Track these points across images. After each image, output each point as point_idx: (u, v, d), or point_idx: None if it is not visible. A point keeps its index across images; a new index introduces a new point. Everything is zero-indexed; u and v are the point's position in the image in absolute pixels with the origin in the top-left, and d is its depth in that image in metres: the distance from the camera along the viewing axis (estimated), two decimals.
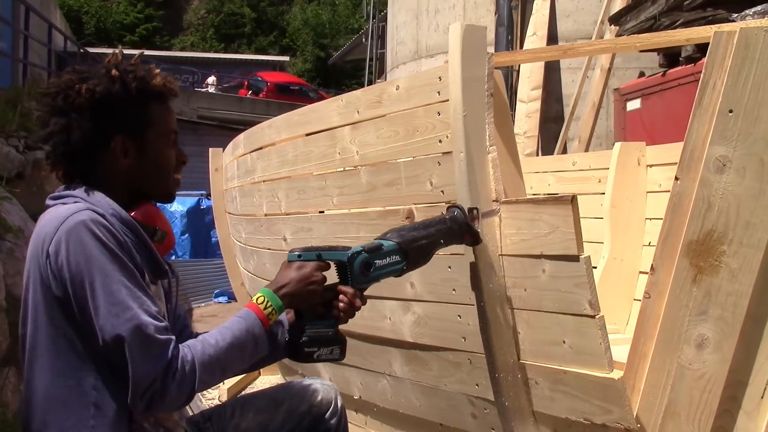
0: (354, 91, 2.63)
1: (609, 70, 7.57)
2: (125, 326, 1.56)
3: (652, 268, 1.93)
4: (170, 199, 1.89)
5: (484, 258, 2.01)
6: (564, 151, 7.85)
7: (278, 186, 3.17)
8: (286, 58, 36.14)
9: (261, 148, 3.40)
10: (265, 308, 1.75)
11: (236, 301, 7.83)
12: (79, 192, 1.72)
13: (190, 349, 1.64)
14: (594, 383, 1.85)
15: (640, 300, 3.91)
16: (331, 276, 1.81)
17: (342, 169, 2.62)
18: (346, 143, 2.59)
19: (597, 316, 1.81)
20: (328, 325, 1.79)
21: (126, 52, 1.87)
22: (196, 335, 2.01)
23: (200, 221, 12.45)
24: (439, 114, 2.15)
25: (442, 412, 2.47)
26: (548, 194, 4.55)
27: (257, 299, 1.77)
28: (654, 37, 2.66)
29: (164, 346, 1.59)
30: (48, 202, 1.77)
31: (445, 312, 2.26)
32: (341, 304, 1.78)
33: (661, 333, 1.92)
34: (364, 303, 1.81)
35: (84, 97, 1.71)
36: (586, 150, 7.48)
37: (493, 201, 2.01)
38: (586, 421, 1.90)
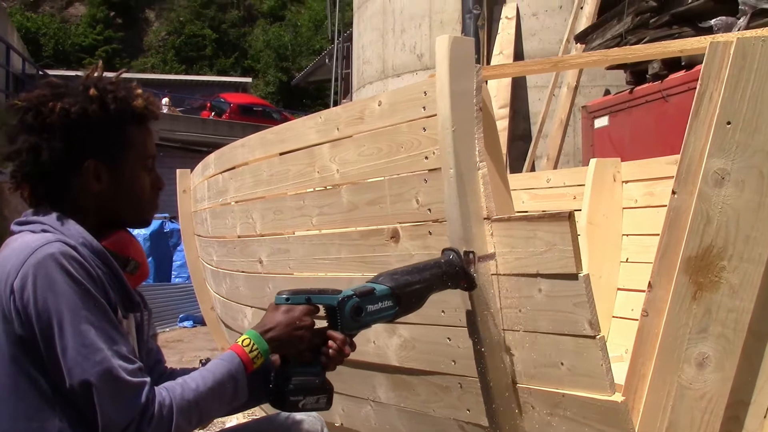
0: (333, 108, 2.56)
1: (576, 87, 7.61)
2: (94, 369, 1.45)
3: (649, 284, 1.88)
4: (145, 224, 1.79)
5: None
6: (532, 169, 7.86)
7: (252, 207, 3.07)
8: (249, 80, 36.00)
9: (233, 168, 3.30)
10: (251, 351, 1.65)
11: (203, 325, 7.69)
12: (48, 219, 1.61)
13: (168, 393, 1.53)
14: (595, 406, 1.78)
15: (619, 317, 3.93)
16: (320, 320, 1.73)
17: (322, 188, 2.54)
18: (325, 161, 2.51)
19: (597, 337, 1.74)
20: (314, 372, 1.71)
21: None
22: (170, 371, 1.91)
23: (164, 244, 12.24)
24: (425, 129, 2.08)
25: None
26: (524, 212, 4.52)
27: (243, 341, 1.67)
28: (647, 48, 2.63)
29: (137, 390, 1.49)
30: (13, 227, 1.65)
31: (433, 334, 2.18)
32: (330, 351, 1.69)
33: (660, 352, 1.86)
34: (353, 350, 1.73)
35: (57, 115, 1.59)
36: (555, 168, 7.50)
37: (485, 218, 1.94)
38: None
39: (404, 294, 1.76)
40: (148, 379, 1.52)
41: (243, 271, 3.29)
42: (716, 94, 1.76)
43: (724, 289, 1.78)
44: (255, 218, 3.05)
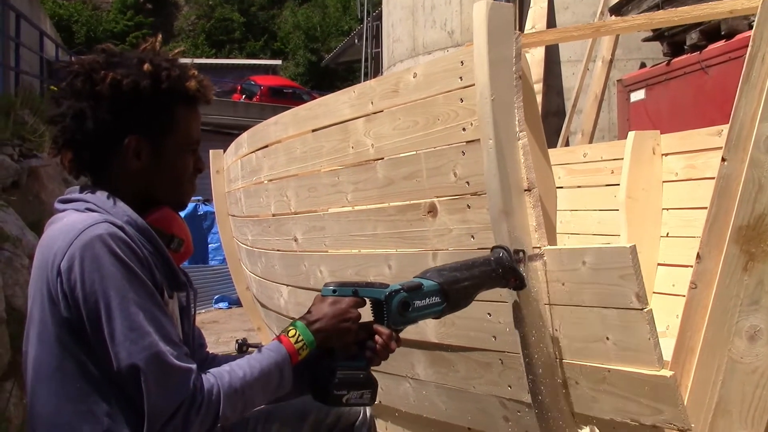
0: (367, 81, 2.50)
1: (611, 61, 7.46)
2: (142, 354, 1.42)
3: (698, 256, 1.82)
4: (182, 207, 1.73)
5: None
6: (566, 145, 7.74)
7: (287, 184, 3.05)
8: (279, 62, 36.01)
9: (267, 146, 3.27)
10: (296, 342, 1.62)
11: (238, 306, 7.73)
12: (92, 197, 1.58)
13: (217, 381, 1.51)
14: (643, 381, 1.72)
15: (659, 293, 3.86)
16: (366, 313, 1.69)
17: (356, 163, 2.50)
18: (359, 136, 2.46)
19: (645, 310, 1.68)
20: (359, 366, 1.66)
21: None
22: (212, 356, 1.88)
23: (198, 227, 12.31)
24: (462, 100, 2.02)
25: (471, 416, 2.35)
26: (560, 187, 4.42)
27: (289, 332, 1.64)
28: (693, 10, 2.53)
29: (185, 375, 1.46)
30: (57, 205, 1.62)
31: (473, 310, 2.11)
32: (376, 346, 1.65)
33: (709, 325, 1.80)
34: (399, 345, 1.68)
35: (107, 85, 1.55)
36: (590, 143, 7.38)
37: (525, 190, 1.89)
38: (633, 422, 1.77)
39: (452, 290, 1.71)
40: (194, 366, 1.50)
41: (278, 250, 3.27)
42: None
43: None
44: (289, 196, 3.02)
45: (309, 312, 1.68)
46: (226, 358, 1.81)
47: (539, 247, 1.88)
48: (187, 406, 1.44)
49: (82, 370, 1.48)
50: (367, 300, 1.69)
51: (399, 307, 1.66)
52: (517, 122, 1.91)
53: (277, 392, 1.62)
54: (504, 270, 1.76)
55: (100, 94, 1.56)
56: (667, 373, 1.67)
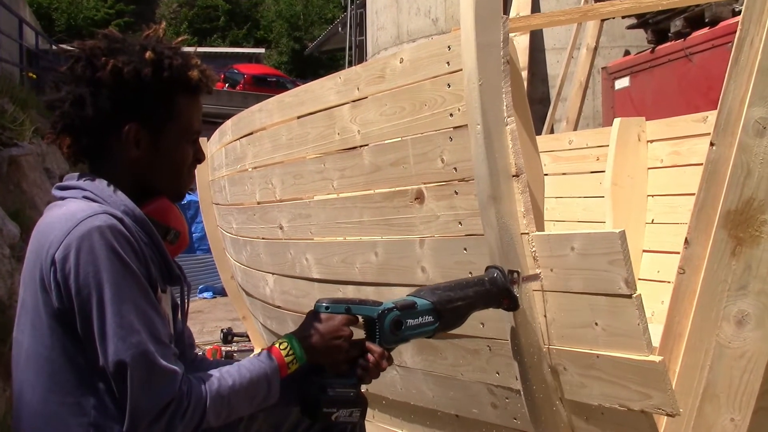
0: (353, 67, 2.48)
1: (595, 48, 7.46)
2: (129, 352, 1.40)
3: (686, 241, 1.81)
4: (180, 198, 1.71)
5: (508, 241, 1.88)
6: (551, 132, 7.74)
7: (272, 172, 3.02)
8: (262, 50, 35.80)
9: (251, 134, 3.24)
10: (287, 355, 1.61)
11: (223, 296, 7.70)
12: (90, 185, 1.55)
13: (205, 387, 1.49)
14: (631, 367, 1.72)
15: (644, 280, 3.87)
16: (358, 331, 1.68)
17: (342, 149, 2.48)
18: (346, 123, 2.44)
19: (634, 295, 1.68)
20: (350, 384, 1.66)
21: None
22: (199, 359, 1.86)
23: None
24: (450, 86, 2.01)
25: (459, 403, 2.34)
26: (546, 175, 4.42)
27: (280, 344, 1.63)
28: None
29: (171, 378, 1.44)
30: (55, 192, 1.60)
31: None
32: (367, 364, 1.64)
33: (697, 310, 1.80)
34: (390, 364, 1.67)
35: (108, 72, 1.52)
36: (575, 131, 7.38)
37: (513, 176, 1.88)
38: (621, 407, 1.77)
39: (446, 310, 1.70)
40: (181, 368, 1.48)
41: (263, 238, 3.25)
42: (757, 39, 1.67)
43: (765, 244, 1.71)
44: (274, 183, 2.99)
45: (301, 327, 1.67)
46: (216, 363, 1.80)
47: (527, 233, 1.87)
48: (173, 409, 1.43)
49: (71, 362, 1.46)
50: (360, 317, 1.68)
51: (392, 325, 1.65)
52: (505, 107, 1.89)
53: (263, 404, 1.61)
54: (498, 290, 1.75)
55: (100, 81, 1.54)
56: (656, 358, 1.67)
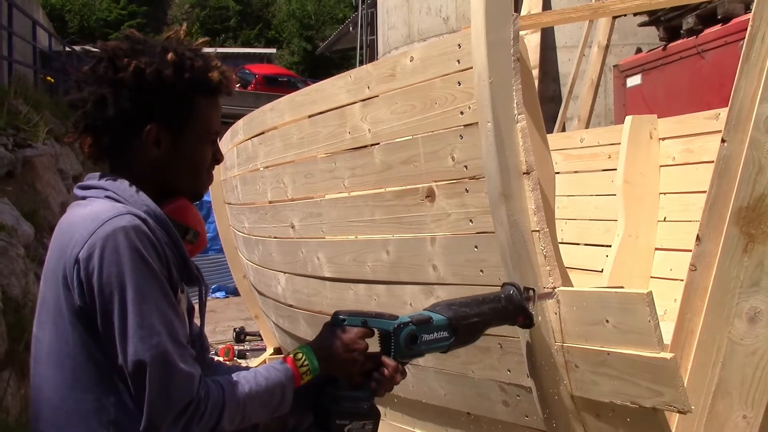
0: (363, 66, 2.49)
1: (607, 46, 7.43)
2: (149, 352, 1.41)
3: (698, 238, 1.81)
4: (198, 198, 1.73)
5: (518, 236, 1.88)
6: (563, 130, 7.72)
7: (283, 171, 3.03)
8: (273, 50, 35.85)
9: (263, 133, 3.25)
10: (302, 366, 1.62)
11: (235, 295, 7.72)
12: (111, 184, 1.57)
13: (223, 392, 1.50)
14: (643, 364, 1.71)
15: (656, 277, 3.85)
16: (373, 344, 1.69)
17: (353, 148, 2.48)
18: (356, 121, 2.45)
19: (645, 292, 1.68)
20: (363, 397, 1.67)
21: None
22: (216, 363, 1.87)
23: None
24: (460, 84, 2.01)
25: (470, 401, 2.34)
26: (557, 173, 4.41)
27: (296, 354, 1.64)
28: None
29: (189, 380, 1.45)
30: (76, 191, 1.62)
31: (472, 294, 2.13)
32: (381, 377, 1.65)
33: (709, 307, 1.80)
34: (404, 377, 1.67)
35: (131, 73, 1.54)
36: (586, 129, 7.36)
37: (524, 173, 1.87)
38: (633, 404, 1.76)
39: (461, 326, 1.71)
40: (199, 371, 1.49)
41: (275, 237, 3.26)
42: None
43: None
44: (286, 183, 3.01)
45: (318, 338, 1.68)
46: (230, 369, 1.81)
47: (538, 230, 1.87)
48: (191, 413, 1.44)
49: (92, 360, 1.47)
50: (376, 331, 1.69)
51: (407, 340, 1.65)
52: (515, 105, 1.89)
53: (276, 412, 1.62)
54: (514, 308, 1.75)
55: (122, 81, 1.55)
56: (667, 355, 1.67)
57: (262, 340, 5.80)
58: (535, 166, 1.91)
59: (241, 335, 6.41)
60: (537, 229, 1.88)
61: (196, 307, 1.74)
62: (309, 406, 1.71)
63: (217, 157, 1.73)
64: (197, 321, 1.75)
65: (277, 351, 5.23)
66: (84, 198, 1.58)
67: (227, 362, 5.53)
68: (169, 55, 1.57)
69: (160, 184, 1.62)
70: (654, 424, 1.75)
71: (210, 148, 1.70)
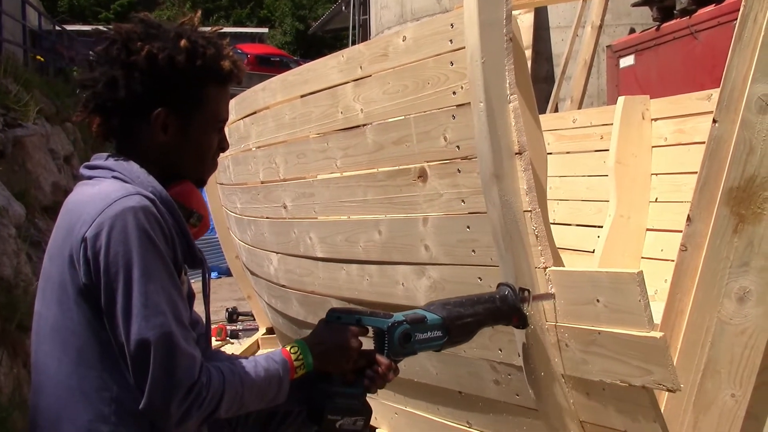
0: (356, 46, 2.48)
1: (600, 27, 7.40)
2: (153, 331, 1.42)
3: (688, 218, 1.82)
4: (202, 184, 1.75)
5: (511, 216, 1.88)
6: (555, 111, 7.72)
7: (275, 151, 3.03)
8: (265, 30, 35.65)
9: (255, 113, 3.24)
10: (296, 360, 1.64)
11: (228, 275, 7.72)
12: (119, 165, 1.58)
13: (224, 379, 1.51)
14: (633, 343, 1.73)
15: (648, 258, 3.87)
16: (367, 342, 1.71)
17: (345, 128, 2.48)
18: (349, 101, 2.44)
19: (636, 272, 1.69)
20: (356, 394, 1.69)
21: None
22: (214, 350, 1.88)
23: None
24: (453, 64, 2.00)
25: (462, 380, 2.36)
26: (549, 153, 4.41)
27: (291, 348, 1.66)
28: None
29: (191, 362, 1.46)
30: (83, 171, 1.63)
31: (463, 275, 2.14)
32: (374, 374, 1.67)
33: (699, 287, 1.81)
34: (396, 375, 1.70)
35: (143, 57, 1.55)
36: (579, 109, 7.36)
37: (516, 153, 1.88)
38: (622, 383, 1.78)
39: (455, 326, 1.72)
40: (199, 355, 1.50)
41: (267, 218, 3.26)
42: (761, 15, 1.67)
43: (767, 221, 1.71)
44: (278, 163, 3.00)
45: (313, 334, 1.70)
46: (229, 357, 1.83)
47: (530, 211, 1.87)
48: (193, 398, 1.45)
49: (96, 337, 1.48)
50: (370, 328, 1.70)
51: (401, 338, 1.67)
52: (507, 85, 1.89)
53: (271, 403, 1.64)
54: (508, 309, 1.77)
55: (134, 65, 1.56)
56: (657, 334, 1.68)
57: (254, 320, 5.82)
58: (528, 147, 1.91)
59: (233, 315, 6.42)
60: (529, 209, 1.88)
61: (197, 291, 1.74)
62: (302, 399, 1.73)
63: (223, 145, 1.74)
64: (196, 309, 1.76)
65: (270, 331, 5.25)
66: (90, 178, 1.60)
67: (219, 341, 5.56)
68: (183, 42, 1.59)
69: (165, 168, 1.63)
70: (644, 402, 1.76)
71: (216, 135, 1.71)
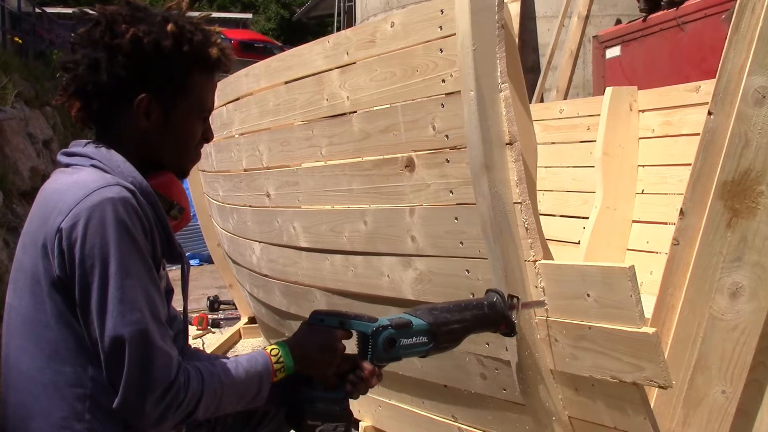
0: (343, 31, 2.42)
1: (586, 17, 7.39)
2: (129, 328, 1.37)
3: (681, 212, 1.78)
4: (185, 175, 1.68)
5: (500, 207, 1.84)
6: (541, 101, 7.70)
7: (259, 138, 2.97)
8: (249, 15, 35.37)
9: (238, 99, 3.18)
10: (276, 362, 1.58)
11: (210, 263, 7.66)
12: (97, 153, 1.51)
13: (202, 380, 1.46)
14: (624, 339, 1.69)
15: (633, 250, 3.85)
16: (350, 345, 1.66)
17: (331, 116, 2.42)
18: (334, 88, 2.39)
19: (627, 267, 1.65)
20: (337, 399, 1.64)
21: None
22: (192, 349, 1.83)
23: None
24: (442, 51, 1.96)
25: (448, 373, 2.32)
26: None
27: (271, 350, 1.60)
28: None
29: (167, 361, 1.40)
30: (60, 158, 1.56)
31: (451, 267, 2.10)
32: (356, 380, 1.62)
33: (691, 282, 1.78)
34: (379, 381, 1.64)
35: (127, 40, 1.49)
36: (565, 100, 7.34)
37: (507, 144, 1.83)
38: (613, 379, 1.75)
39: (441, 332, 1.67)
40: (176, 354, 1.45)
41: (250, 206, 3.21)
42: (759, 6, 1.63)
43: (761, 216, 1.68)
44: (261, 150, 2.94)
45: (294, 336, 1.65)
46: (209, 356, 1.79)
47: (520, 202, 1.83)
48: (170, 400, 1.40)
49: (70, 331, 1.43)
50: (354, 332, 1.65)
51: (385, 343, 1.62)
52: (499, 74, 1.85)
53: (249, 404, 1.59)
54: (496, 315, 1.72)
55: (118, 48, 1.50)
56: (649, 330, 1.65)
57: (236, 309, 5.75)
58: (518, 137, 1.86)
59: (215, 304, 6.35)
60: (519, 201, 1.84)
61: (176, 286, 1.68)
62: (282, 401, 1.69)
63: (207, 136, 1.68)
64: (174, 305, 1.70)
65: (252, 320, 5.19)
66: (68, 165, 1.53)
67: (200, 331, 5.49)
68: (169, 26, 1.53)
69: (146, 157, 1.57)
70: (634, 398, 1.74)
71: (201, 125, 1.65)
